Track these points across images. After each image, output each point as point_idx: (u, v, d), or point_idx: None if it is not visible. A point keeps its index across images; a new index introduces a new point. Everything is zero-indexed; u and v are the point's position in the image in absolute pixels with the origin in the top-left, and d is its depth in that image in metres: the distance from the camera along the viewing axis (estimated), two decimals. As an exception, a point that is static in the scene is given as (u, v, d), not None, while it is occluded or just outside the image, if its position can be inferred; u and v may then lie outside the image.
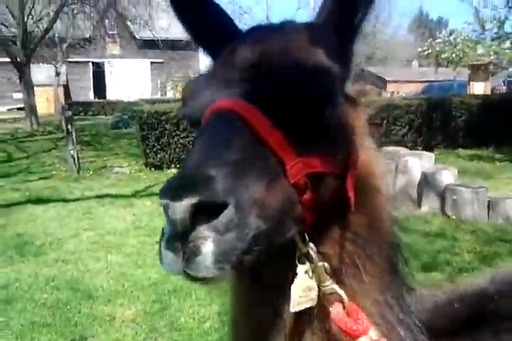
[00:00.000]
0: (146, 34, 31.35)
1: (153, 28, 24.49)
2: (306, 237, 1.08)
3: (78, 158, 12.42)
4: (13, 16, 25.53)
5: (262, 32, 1.18)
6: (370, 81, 51.24)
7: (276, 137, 0.99)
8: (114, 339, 4.23)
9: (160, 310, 4.76)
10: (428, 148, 13.59)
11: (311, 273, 1.10)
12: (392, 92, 19.42)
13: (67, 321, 4.56)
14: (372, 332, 1.07)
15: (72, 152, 12.10)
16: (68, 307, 4.85)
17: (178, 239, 0.87)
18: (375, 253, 1.20)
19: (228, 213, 0.86)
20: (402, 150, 9.90)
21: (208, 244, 0.86)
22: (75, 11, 26.63)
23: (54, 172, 12.58)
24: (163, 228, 0.91)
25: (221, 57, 1.13)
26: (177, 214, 0.85)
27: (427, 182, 8.19)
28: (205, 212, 0.85)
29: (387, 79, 49.21)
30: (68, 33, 32.67)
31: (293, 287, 1.08)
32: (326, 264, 1.11)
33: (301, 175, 1.00)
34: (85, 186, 10.90)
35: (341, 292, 1.10)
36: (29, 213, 8.56)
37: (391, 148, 10.56)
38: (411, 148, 12.10)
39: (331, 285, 1.10)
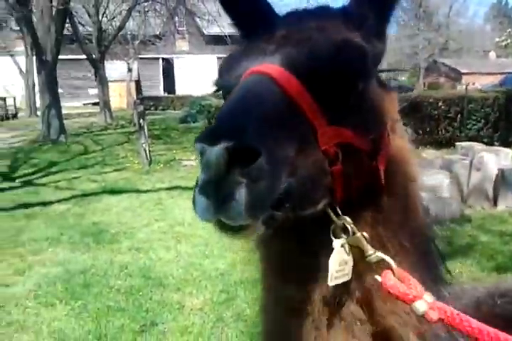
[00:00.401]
0: (213, 30, 31.82)
1: (220, 24, 24.85)
2: (339, 211, 1.09)
3: (149, 151, 12.88)
4: (89, 15, 26.79)
5: (298, 14, 1.23)
6: (443, 73, 49.26)
7: (308, 102, 1.01)
8: (182, 327, 4.37)
9: (226, 300, 4.86)
10: (505, 143, 12.92)
11: (347, 247, 1.10)
12: (468, 84, 18.52)
13: (139, 307, 4.76)
14: (427, 296, 1.04)
15: (143, 145, 12.56)
16: (140, 293, 5.06)
17: (213, 184, 0.88)
18: (407, 242, 1.18)
19: (261, 162, 0.87)
20: (478, 145, 9.46)
21: (241, 189, 0.86)
22: (146, 9, 27.46)
23: (127, 164, 13.11)
24: (198, 176, 0.91)
25: (259, 35, 1.16)
26: (212, 158, 0.86)
27: (504, 179, 7.77)
28: (239, 160, 0.86)
29: (462, 71, 46.98)
30: (140, 31, 33.84)
31: (330, 261, 1.08)
32: (364, 233, 1.10)
33: (332, 143, 1.02)
34: (156, 178, 11.29)
35: (388, 258, 1.08)
36: (105, 203, 9.00)
37: (466, 144, 10.13)
38: (487, 144, 11.53)
39: (375, 253, 1.09)
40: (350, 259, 1.11)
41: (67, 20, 21.39)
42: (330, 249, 1.09)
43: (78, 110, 34.16)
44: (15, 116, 32.65)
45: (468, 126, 13.84)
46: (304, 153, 0.98)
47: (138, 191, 9.91)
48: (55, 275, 5.59)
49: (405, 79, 52.85)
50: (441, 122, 13.96)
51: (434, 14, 52.67)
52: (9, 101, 32.81)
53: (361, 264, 1.12)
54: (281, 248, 1.18)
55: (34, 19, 18.96)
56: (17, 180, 11.26)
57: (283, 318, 1.23)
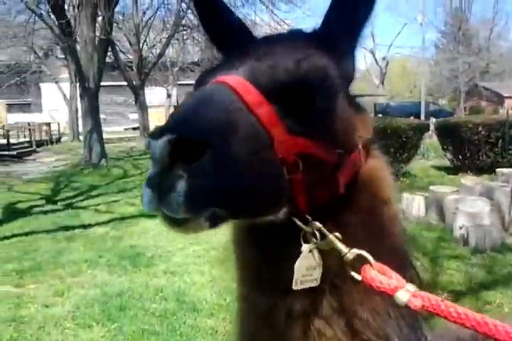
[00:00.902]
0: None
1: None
2: (308, 217, 1.11)
3: (186, 175, 13.06)
4: (130, 44, 27.85)
5: (271, 37, 1.33)
6: (485, 96, 48.35)
7: (266, 110, 1.02)
8: (216, 352, 4.37)
9: (260, 326, 4.82)
10: (549, 169, 12.46)
11: (316, 253, 1.12)
12: (510, 109, 18.10)
13: (173, 331, 4.79)
14: (409, 286, 1.03)
15: (180, 169, 12.76)
16: (174, 317, 5.09)
17: (157, 177, 0.91)
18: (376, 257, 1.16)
19: (206, 158, 0.89)
20: (519, 171, 9.20)
21: (180, 182, 0.88)
22: (185, 37, 28.35)
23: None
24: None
25: (232, 53, 1.22)
26: (156, 151, 0.89)
27: (547, 206, 7.52)
28: (184, 154, 0.88)
29: (504, 94, 46.07)
30: (179, 58, 34.86)
31: (296, 265, 1.10)
32: (337, 234, 1.11)
33: (291, 152, 1.03)
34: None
35: (365, 253, 1.08)
36: (142, 226, 9.16)
37: (507, 170, 9.89)
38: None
39: (350, 250, 1.09)
40: (318, 265, 1.13)
41: (110, 49, 22.31)
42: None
43: (119, 135, 35.14)
44: (59, 140, 33.94)
45: (510, 152, 13.48)
46: (258, 158, 0.99)
47: (174, 215, 10.04)
48: (93, 297, 5.70)
49: (445, 103, 52.19)
50: (482, 147, 13.64)
51: (474, 37, 52.14)
52: (53, 127, 34.19)
53: (336, 268, 1.13)
54: (255, 254, 1.21)
55: (78, 48, 19.86)
56: (59, 203, 11.63)
57: (255, 329, 1.24)
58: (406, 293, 1.01)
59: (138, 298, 5.65)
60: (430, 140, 18.93)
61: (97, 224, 9.37)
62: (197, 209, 0.91)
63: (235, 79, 1.06)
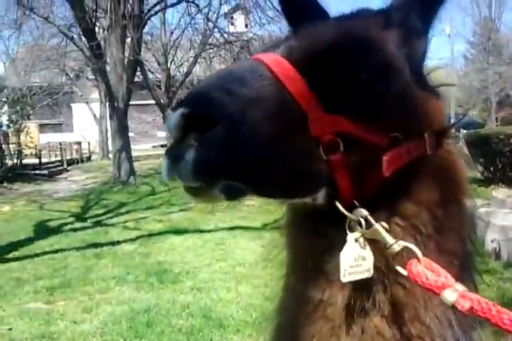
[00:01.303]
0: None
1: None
2: (356, 203, 1.05)
3: (213, 192, 13.13)
4: (158, 64, 28.45)
5: (332, 17, 1.27)
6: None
7: (300, 87, 0.99)
8: (242, 370, 4.32)
9: (287, 343, 4.76)
10: None
11: (362, 242, 1.05)
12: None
13: (200, 348, 4.78)
14: (459, 285, 0.93)
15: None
16: (201, 334, 5.07)
17: (173, 147, 0.94)
18: (439, 255, 1.10)
19: (217, 130, 0.90)
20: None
21: (191, 151, 0.90)
22: (212, 55, 28.78)
23: (192, 204, 13.42)
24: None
25: (292, 33, 1.22)
26: (170, 122, 0.93)
27: None
28: (197, 126, 0.91)
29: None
30: (206, 76, 35.31)
31: (341, 255, 1.04)
32: (383, 223, 1.04)
33: (328, 131, 0.99)
34: (219, 218, 11.46)
35: (413, 246, 1.00)
36: (169, 243, 9.23)
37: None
38: None
39: (397, 242, 1.01)
40: (368, 254, 1.05)
41: (138, 69, 22.83)
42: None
43: (147, 152, 35.65)
44: (89, 158, 34.67)
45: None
46: (289, 135, 0.97)
47: (201, 231, 10.09)
48: (121, 313, 5.74)
49: (476, 114, 51.23)
50: (514, 159, 13.32)
51: (504, 47, 51.29)
52: (84, 146, 34.98)
53: (384, 261, 1.06)
54: (305, 244, 1.17)
55: (108, 69, 20.39)
56: (88, 221, 11.83)
57: (301, 321, 1.17)
58: (454, 293, 0.92)
59: (165, 314, 5.66)
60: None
61: (125, 240, 9.48)
62: (206, 179, 0.93)
63: (271, 56, 1.04)
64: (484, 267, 6.64)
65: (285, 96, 0.99)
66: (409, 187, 1.11)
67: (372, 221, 1.04)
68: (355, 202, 1.06)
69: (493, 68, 46.58)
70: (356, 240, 1.06)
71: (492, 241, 6.98)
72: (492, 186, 13.13)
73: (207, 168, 0.91)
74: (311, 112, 0.99)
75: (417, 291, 1.07)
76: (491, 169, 13.94)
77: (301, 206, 1.08)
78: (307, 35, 1.11)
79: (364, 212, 1.05)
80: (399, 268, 1.02)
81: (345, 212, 1.05)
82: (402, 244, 1.01)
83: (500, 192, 10.28)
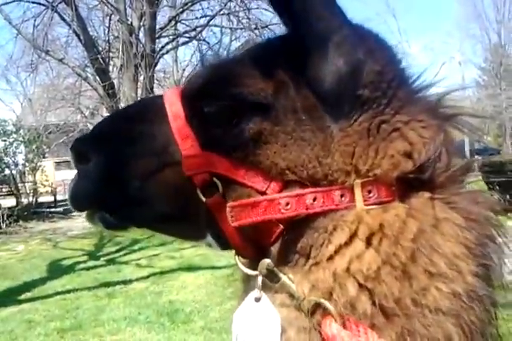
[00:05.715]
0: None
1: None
2: (258, 255, 1.00)
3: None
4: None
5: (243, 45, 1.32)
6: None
7: (179, 123, 0.99)
8: None
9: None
10: None
11: (267, 299, 0.95)
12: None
13: None
14: None
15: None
16: (212, 377, 4.95)
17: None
18: None
19: (90, 165, 1.02)
20: None
21: (72, 183, 1.05)
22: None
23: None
24: None
25: None
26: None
27: None
28: (80, 160, 1.06)
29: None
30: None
31: (235, 315, 0.98)
32: (290, 275, 0.92)
33: (200, 170, 0.95)
34: (231, 254, 11.27)
35: (324, 301, 0.86)
36: (181, 280, 9.14)
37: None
38: None
39: (307, 297, 0.89)
40: (275, 315, 0.94)
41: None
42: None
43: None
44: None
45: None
46: (164, 174, 0.99)
47: (213, 267, 9.99)
48: (131, 356, 5.64)
49: (491, 140, 50.90)
50: (530, 187, 13.12)
51: (516, 73, 51.35)
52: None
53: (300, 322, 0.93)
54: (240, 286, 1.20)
55: (121, 107, 20.82)
56: (101, 259, 11.84)
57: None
58: None
59: (175, 357, 5.55)
60: (476, 179, 18.36)
61: (137, 279, 9.43)
62: (77, 207, 1.06)
63: (174, 91, 1.07)
64: (503, 300, 6.45)
65: (167, 132, 0.99)
66: (319, 247, 0.94)
67: (278, 272, 0.94)
68: (259, 253, 0.98)
69: (506, 93, 46.61)
70: (257, 299, 0.96)
71: (510, 273, 6.79)
72: (508, 215, 12.89)
73: (79, 198, 1.04)
74: (185, 149, 0.96)
75: None
76: (507, 197, 13.72)
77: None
78: (204, 68, 1.16)
79: (267, 261, 0.95)
80: (316, 327, 0.89)
81: (240, 265, 1.01)
82: (313, 299, 0.89)
83: (516, 221, 10.06)
